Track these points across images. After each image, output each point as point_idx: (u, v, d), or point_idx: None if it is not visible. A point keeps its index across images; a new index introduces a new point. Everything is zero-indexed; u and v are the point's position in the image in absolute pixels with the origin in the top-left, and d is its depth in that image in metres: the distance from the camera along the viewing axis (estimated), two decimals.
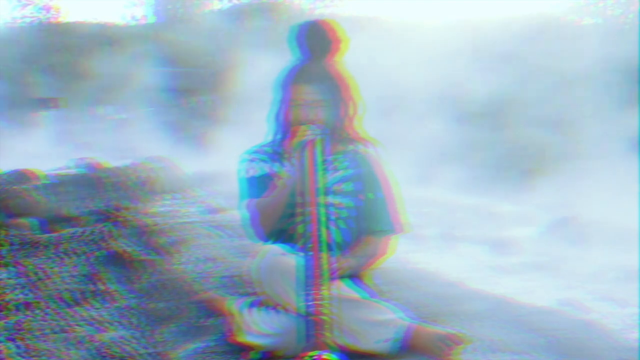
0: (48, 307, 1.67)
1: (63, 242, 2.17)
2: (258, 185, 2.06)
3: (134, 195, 5.38)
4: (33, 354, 1.44)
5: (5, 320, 1.50)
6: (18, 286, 1.66)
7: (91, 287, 2.01)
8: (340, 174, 2.06)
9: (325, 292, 1.19)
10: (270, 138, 2.15)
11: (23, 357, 1.39)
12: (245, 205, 2.06)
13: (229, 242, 3.38)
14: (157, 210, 6.19)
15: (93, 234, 2.28)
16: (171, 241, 2.97)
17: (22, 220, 4.33)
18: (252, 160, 2.12)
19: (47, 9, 30.49)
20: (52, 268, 2.00)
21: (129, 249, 2.37)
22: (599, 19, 18.57)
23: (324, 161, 2.05)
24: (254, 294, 2.05)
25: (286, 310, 1.81)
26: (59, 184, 4.89)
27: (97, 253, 2.21)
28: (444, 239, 6.47)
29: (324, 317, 1.13)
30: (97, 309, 1.92)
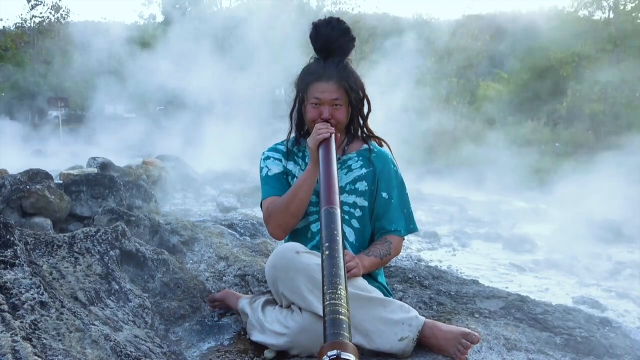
0: (63, 307, 1.67)
1: (77, 241, 2.17)
2: (273, 183, 2.06)
3: (146, 194, 5.39)
4: (49, 353, 1.44)
5: (21, 320, 1.50)
6: (33, 286, 1.66)
7: (106, 287, 2.01)
8: (354, 173, 2.05)
9: (342, 291, 1.17)
10: (287, 136, 2.14)
11: (39, 356, 1.39)
12: (262, 203, 2.06)
13: (242, 240, 3.38)
14: (170, 209, 6.22)
15: (107, 233, 2.28)
16: (184, 240, 2.98)
17: (37, 220, 4.36)
18: (267, 159, 2.12)
19: (57, 8, 30.69)
20: (66, 267, 2.00)
21: (142, 248, 2.37)
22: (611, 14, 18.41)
23: (339, 160, 2.04)
24: (268, 292, 2.05)
25: (301, 309, 1.80)
26: (72, 184, 4.91)
27: (111, 252, 2.21)
28: (458, 237, 6.45)
29: (341, 317, 1.11)
30: (112, 308, 1.92)
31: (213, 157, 10.64)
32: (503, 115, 21.89)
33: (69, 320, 1.61)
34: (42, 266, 1.93)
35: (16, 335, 1.42)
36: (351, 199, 2.03)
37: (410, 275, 2.88)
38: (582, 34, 19.41)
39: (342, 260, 1.28)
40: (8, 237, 1.89)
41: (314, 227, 2.03)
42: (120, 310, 1.94)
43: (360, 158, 2.08)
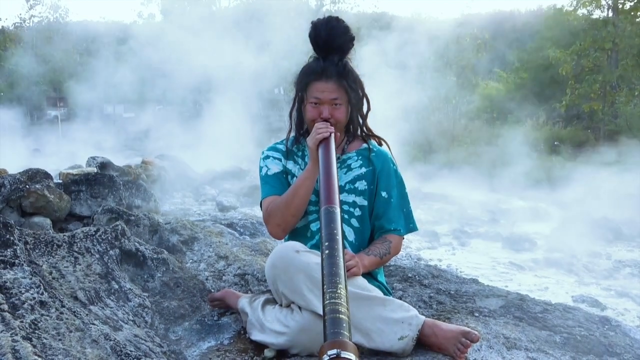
0: (63, 306, 1.67)
1: (77, 241, 2.17)
2: (273, 183, 2.06)
3: (146, 194, 5.39)
4: (49, 352, 1.44)
5: (21, 320, 1.50)
6: (33, 285, 1.66)
7: (105, 286, 2.01)
8: (354, 172, 2.05)
9: (342, 290, 1.17)
10: (287, 135, 2.15)
11: (39, 356, 1.39)
12: (261, 202, 2.06)
13: (242, 240, 3.38)
14: (170, 209, 6.22)
15: (106, 232, 2.28)
16: (184, 239, 2.98)
17: (36, 219, 4.36)
18: (267, 158, 2.12)
19: (56, 8, 30.70)
20: (66, 267, 2.00)
21: (142, 248, 2.37)
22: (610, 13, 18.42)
23: (338, 159, 2.04)
24: (268, 291, 2.05)
25: (301, 308, 1.80)
26: (71, 183, 4.91)
27: (110, 252, 2.21)
28: (457, 235, 6.45)
29: (341, 316, 1.11)
30: (112, 307, 1.92)
31: (212, 157, 10.64)
32: (502, 114, 21.90)
33: (69, 320, 1.61)
34: (41, 266, 1.93)
35: (16, 334, 1.42)
36: (351, 198, 2.04)
37: (409, 274, 2.88)
38: (581, 33, 19.42)
39: (342, 260, 1.28)
40: (8, 236, 1.89)
41: (314, 227, 2.03)
42: (120, 309, 1.94)
43: (360, 157, 2.08)
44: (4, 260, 1.72)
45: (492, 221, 7.55)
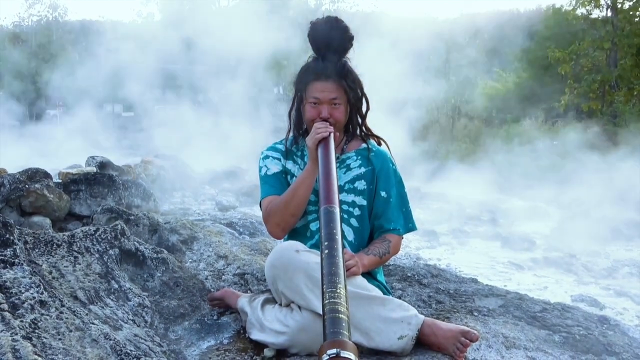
0: (63, 306, 1.67)
1: (76, 240, 2.17)
2: (272, 183, 2.06)
3: (145, 193, 5.39)
4: (49, 352, 1.44)
5: (21, 319, 1.51)
6: (33, 285, 1.66)
7: (105, 286, 2.02)
8: (353, 172, 2.06)
9: (341, 290, 1.18)
10: (286, 135, 2.15)
11: (39, 355, 1.39)
12: (261, 202, 2.06)
13: (241, 239, 3.38)
14: (169, 208, 6.22)
15: (106, 232, 2.28)
16: (183, 239, 2.98)
17: (36, 219, 4.36)
18: (266, 158, 2.12)
19: (54, 7, 30.67)
20: (66, 267, 2.00)
21: (141, 247, 2.37)
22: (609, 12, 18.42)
23: (338, 159, 2.04)
24: (268, 291, 2.05)
25: (300, 307, 1.80)
26: (71, 183, 4.91)
27: (110, 251, 2.21)
28: (457, 235, 6.45)
29: (341, 315, 1.12)
30: (112, 307, 1.92)
31: (212, 156, 10.64)
32: (501, 113, 21.92)
33: (68, 319, 1.61)
34: (41, 265, 1.94)
35: (16, 334, 1.43)
36: (350, 198, 2.04)
37: (409, 274, 2.89)
38: (580, 32, 19.43)
39: (341, 259, 1.28)
40: (7, 236, 1.89)
41: (313, 226, 2.03)
42: (119, 309, 1.94)
43: (359, 157, 2.08)
44: (3, 259, 1.73)
45: (492, 221, 7.55)
